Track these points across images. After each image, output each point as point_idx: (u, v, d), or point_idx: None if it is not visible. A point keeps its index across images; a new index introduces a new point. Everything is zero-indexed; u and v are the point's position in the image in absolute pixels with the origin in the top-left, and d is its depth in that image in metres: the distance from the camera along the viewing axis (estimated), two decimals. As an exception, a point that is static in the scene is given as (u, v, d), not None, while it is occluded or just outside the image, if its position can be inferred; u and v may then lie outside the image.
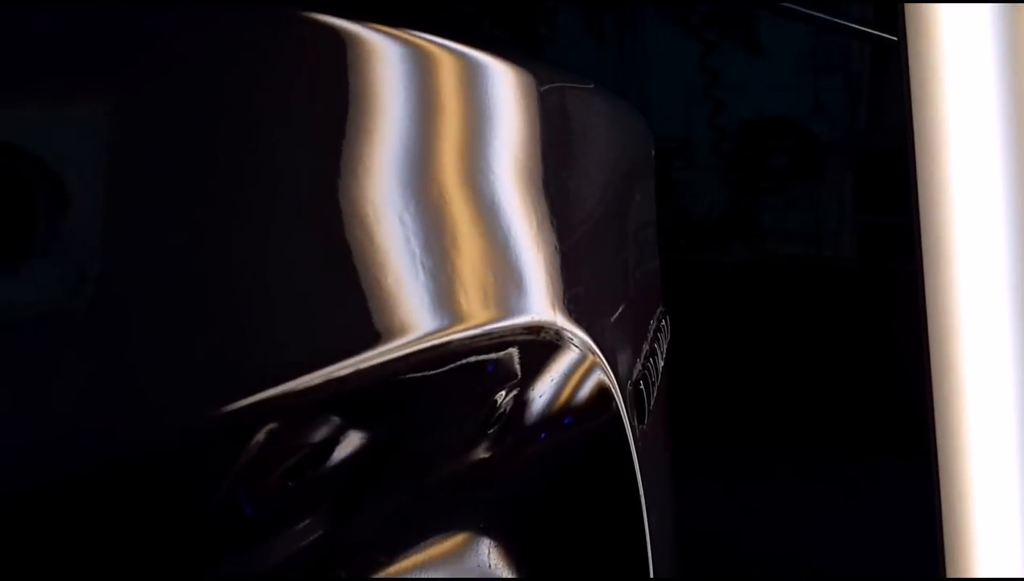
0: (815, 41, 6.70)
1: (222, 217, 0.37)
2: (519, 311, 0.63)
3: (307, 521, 0.54)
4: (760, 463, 5.16)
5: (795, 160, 6.58)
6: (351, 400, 0.49)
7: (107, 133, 0.31)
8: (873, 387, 5.56)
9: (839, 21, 4.70)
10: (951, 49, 1.68)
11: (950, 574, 1.62)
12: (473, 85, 0.64)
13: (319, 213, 0.43)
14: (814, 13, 4.69)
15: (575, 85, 0.87)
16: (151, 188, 0.33)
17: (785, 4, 4.56)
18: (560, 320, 0.72)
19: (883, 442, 5.30)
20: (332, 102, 0.45)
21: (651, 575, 0.96)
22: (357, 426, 0.50)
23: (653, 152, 1.22)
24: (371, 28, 0.50)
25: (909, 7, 1.73)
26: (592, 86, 0.95)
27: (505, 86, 0.68)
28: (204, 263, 0.36)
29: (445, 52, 0.60)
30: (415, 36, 0.56)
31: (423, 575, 0.67)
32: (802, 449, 5.30)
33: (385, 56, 0.52)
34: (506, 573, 0.76)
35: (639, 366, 0.99)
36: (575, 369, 0.76)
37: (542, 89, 0.75)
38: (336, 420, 0.48)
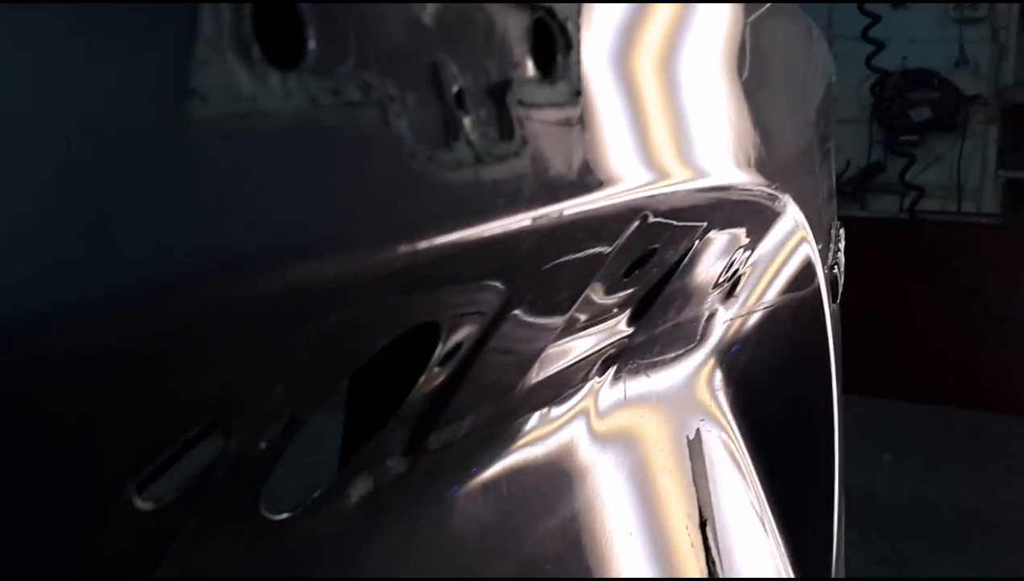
0: (961, -10, 6.55)
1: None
2: (766, 177, 0.79)
3: (615, 318, 0.72)
4: (893, 412, 5.19)
5: (938, 113, 6.49)
6: (660, 219, 0.65)
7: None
8: (1014, 345, 5.49)
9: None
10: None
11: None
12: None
13: (655, 78, 0.60)
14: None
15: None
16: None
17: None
18: (786, 197, 0.88)
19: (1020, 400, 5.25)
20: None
21: (836, 433, 1.12)
22: (664, 241, 0.68)
23: (834, 71, 1.35)
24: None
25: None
26: (792, 2, 1.10)
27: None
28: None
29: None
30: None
31: (663, 378, 0.86)
32: (939, 402, 5.30)
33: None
34: (720, 394, 0.94)
35: (831, 256, 1.14)
36: (791, 237, 0.92)
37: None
38: (653, 234, 0.65)
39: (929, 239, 5.66)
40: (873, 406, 4.93)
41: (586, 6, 0.50)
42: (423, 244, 0.37)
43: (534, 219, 0.45)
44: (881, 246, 5.55)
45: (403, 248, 0.36)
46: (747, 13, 0.84)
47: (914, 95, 6.44)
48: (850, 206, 6.12)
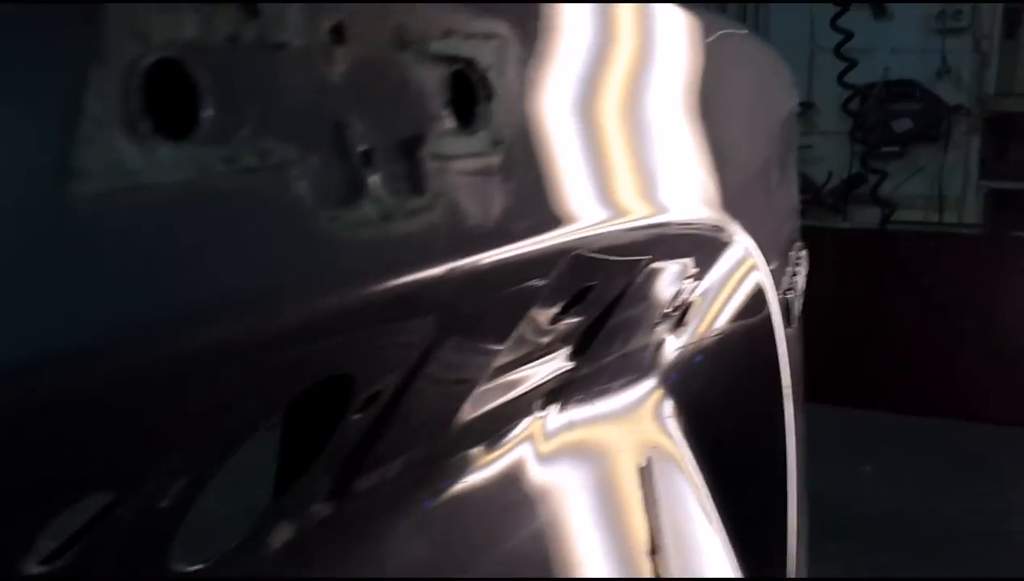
0: (943, 2, 6.59)
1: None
2: (712, 208, 0.79)
3: (556, 353, 0.72)
4: (876, 424, 5.21)
5: (920, 124, 6.53)
6: (606, 258, 0.66)
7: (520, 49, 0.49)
8: (994, 354, 5.52)
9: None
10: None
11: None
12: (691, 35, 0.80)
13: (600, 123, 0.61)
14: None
15: (734, 30, 1.03)
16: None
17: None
18: (734, 227, 0.88)
19: (1004, 410, 5.28)
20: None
21: (789, 454, 1.13)
22: (601, 278, 0.68)
23: (796, 98, 1.36)
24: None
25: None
26: (746, 32, 1.11)
27: (687, 29, 0.84)
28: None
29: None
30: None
31: (612, 408, 0.87)
32: (921, 413, 5.32)
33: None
34: (671, 422, 0.95)
35: (786, 281, 1.15)
36: (740, 265, 0.93)
37: (707, 32, 0.91)
38: (586, 272, 0.66)
39: (908, 250, 5.69)
40: (853, 417, 4.95)
41: (510, 47, 0.50)
42: (323, 302, 0.37)
43: (450, 270, 0.45)
44: (862, 256, 5.57)
45: (302, 308, 0.36)
46: (692, 42, 0.85)
47: (896, 106, 6.48)
48: (832, 217, 6.15)
